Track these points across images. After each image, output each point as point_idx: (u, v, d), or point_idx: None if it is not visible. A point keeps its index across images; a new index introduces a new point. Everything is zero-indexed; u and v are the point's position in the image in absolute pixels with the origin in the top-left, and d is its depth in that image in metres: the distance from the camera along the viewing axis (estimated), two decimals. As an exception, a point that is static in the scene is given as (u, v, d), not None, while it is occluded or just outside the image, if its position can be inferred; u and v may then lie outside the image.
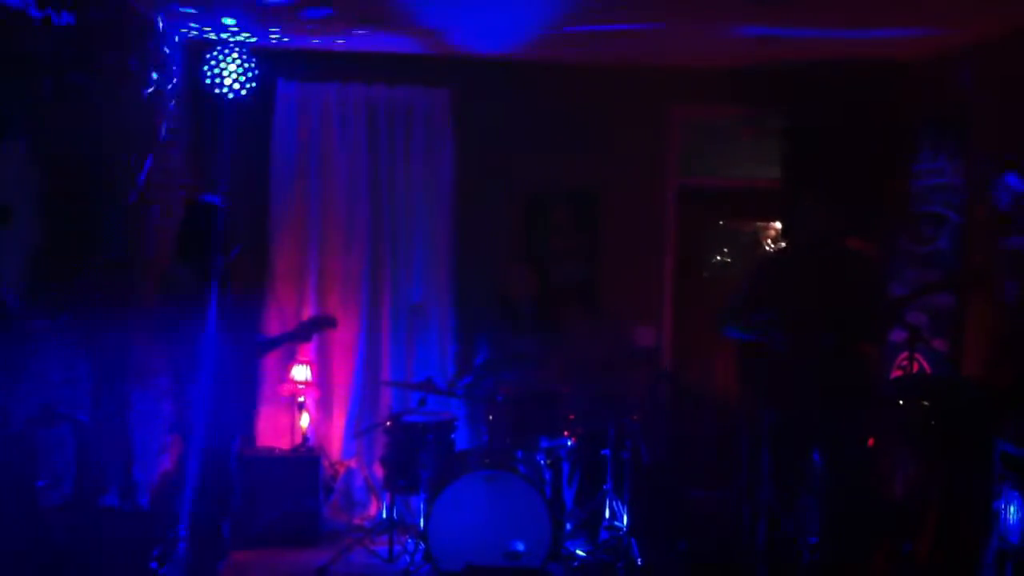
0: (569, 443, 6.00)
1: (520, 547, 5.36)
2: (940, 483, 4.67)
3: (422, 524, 5.60)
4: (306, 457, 6.42)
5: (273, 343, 5.80)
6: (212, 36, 6.19)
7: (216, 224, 5.04)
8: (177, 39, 6.08)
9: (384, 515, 6.27)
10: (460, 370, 6.75)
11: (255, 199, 6.59)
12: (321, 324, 5.56)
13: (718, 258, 7.47)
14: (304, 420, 6.59)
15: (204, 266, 4.90)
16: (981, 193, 5.60)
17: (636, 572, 5.70)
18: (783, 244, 6.99)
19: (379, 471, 6.42)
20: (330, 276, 6.82)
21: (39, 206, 3.72)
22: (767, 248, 7.34)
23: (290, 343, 5.89)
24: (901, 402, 5.11)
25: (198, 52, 6.14)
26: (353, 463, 6.85)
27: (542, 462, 5.94)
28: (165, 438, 5.75)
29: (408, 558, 5.70)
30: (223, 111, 6.42)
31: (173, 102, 6.00)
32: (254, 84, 6.14)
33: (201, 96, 6.24)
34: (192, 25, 5.95)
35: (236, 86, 6.08)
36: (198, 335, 4.83)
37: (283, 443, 6.64)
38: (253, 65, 6.08)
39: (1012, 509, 4.28)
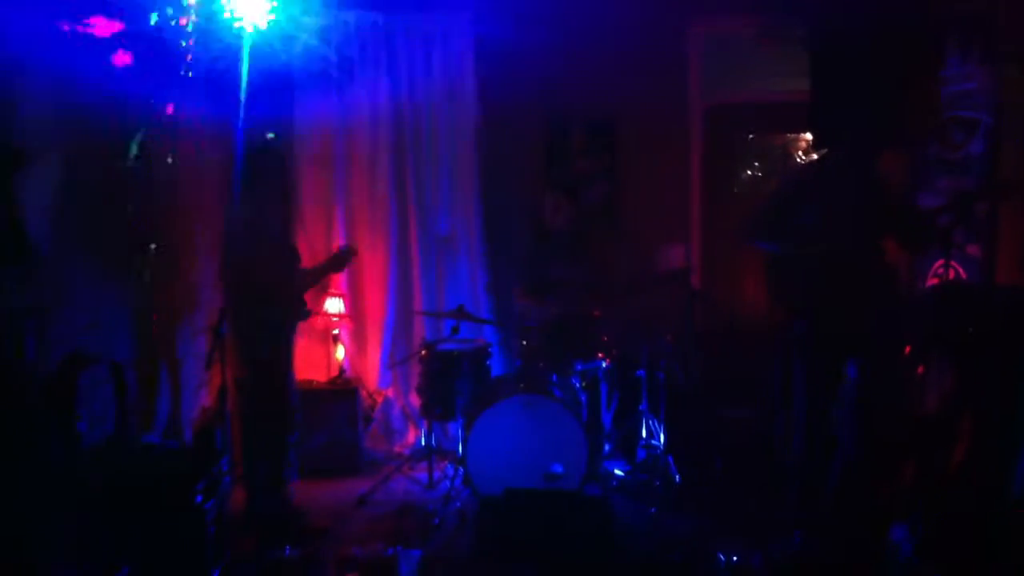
0: (604, 365, 6.01)
1: (558, 469, 5.40)
2: (975, 391, 4.63)
3: (460, 450, 5.66)
4: (343, 388, 6.49)
5: (309, 277, 5.75)
6: (231, -32, 6.11)
7: (275, 162, 5.14)
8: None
9: (422, 443, 6.35)
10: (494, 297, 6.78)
11: (279, 133, 6.56)
12: (345, 256, 5.55)
13: (748, 173, 7.37)
14: (340, 352, 6.65)
15: (264, 202, 5.07)
16: (1011, 96, 5.47)
17: (674, 489, 5.75)
18: (814, 156, 6.89)
19: (415, 400, 6.47)
20: (357, 208, 6.82)
21: (62, 150, 3.72)
22: (798, 160, 7.24)
23: (322, 277, 5.85)
24: (936, 310, 5.06)
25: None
26: (390, 392, 6.92)
27: (577, 385, 5.97)
28: (204, 374, 5.81)
29: (448, 483, 5.76)
30: (244, 45, 6.37)
31: (193, 38, 5.94)
32: (274, 16, 6.07)
33: (222, 31, 6.19)
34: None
35: (257, 19, 6.02)
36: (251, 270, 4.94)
37: (320, 376, 6.71)
38: (273, -3, 6.01)
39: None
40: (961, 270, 5.75)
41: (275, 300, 5.07)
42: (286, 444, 5.27)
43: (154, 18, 5.21)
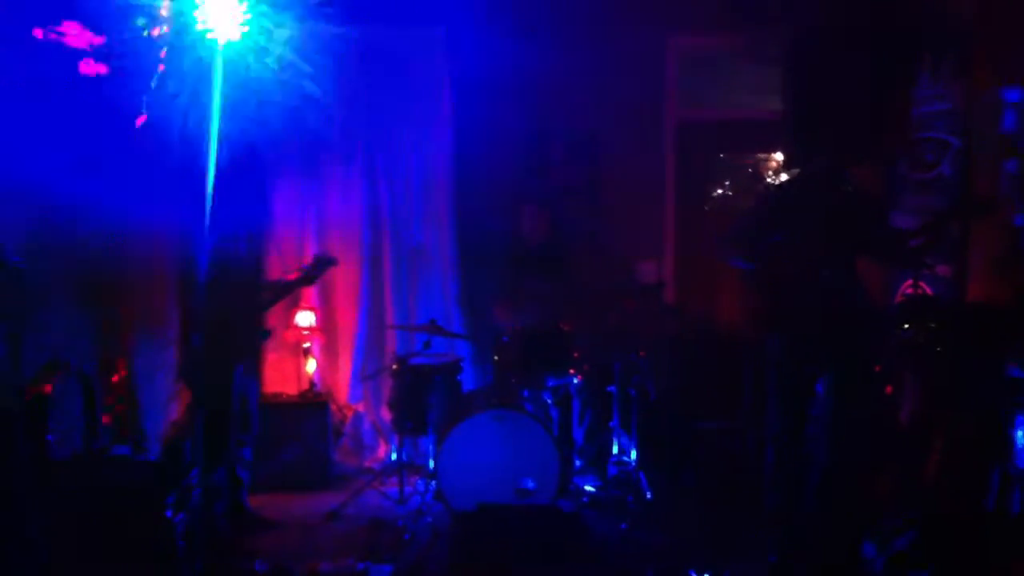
0: (575, 381, 6.01)
1: (530, 485, 5.40)
2: (946, 407, 4.67)
3: (432, 465, 5.63)
4: (314, 402, 6.44)
5: (278, 292, 5.70)
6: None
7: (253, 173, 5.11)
8: (167, -15, 5.98)
9: (393, 457, 6.32)
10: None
11: (253, 145, 6.51)
12: (323, 264, 5.51)
13: (719, 192, 7.43)
14: (311, 366, 6.61)
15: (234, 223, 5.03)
16: (983, 116, 5.54)
17: (645, 505, 5.75)
18: (785, 176, 6.94)
19: (387, 414, 6.44)
20: (330, 221, 6.79)
21: (40, 157, 3.68)
22: (768, 181, 7.30)
23: (296, 289, 5.78)
24: (906, 327, 5.11)
25: (189, -2, 6.04)
26: (361, 407, 6.88)
27: (549, 400, 5.96)
28: (173, 387, 5.75)
29: (419, 498, 5.73)
30: (216, 57, 6.33)
31: (165, 49, 5.91)
32: (248, 29, 6.06)
33: (193, 43, 6.15)
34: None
35: (230, 31, 6.00)
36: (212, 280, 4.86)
37: (290, 389, 6.67)
38: (245, 9, 5.99)
39: (1020, 434, 4.28)
40: (928, 290, 5.81)
41: (225, 329, 4.98)
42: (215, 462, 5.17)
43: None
